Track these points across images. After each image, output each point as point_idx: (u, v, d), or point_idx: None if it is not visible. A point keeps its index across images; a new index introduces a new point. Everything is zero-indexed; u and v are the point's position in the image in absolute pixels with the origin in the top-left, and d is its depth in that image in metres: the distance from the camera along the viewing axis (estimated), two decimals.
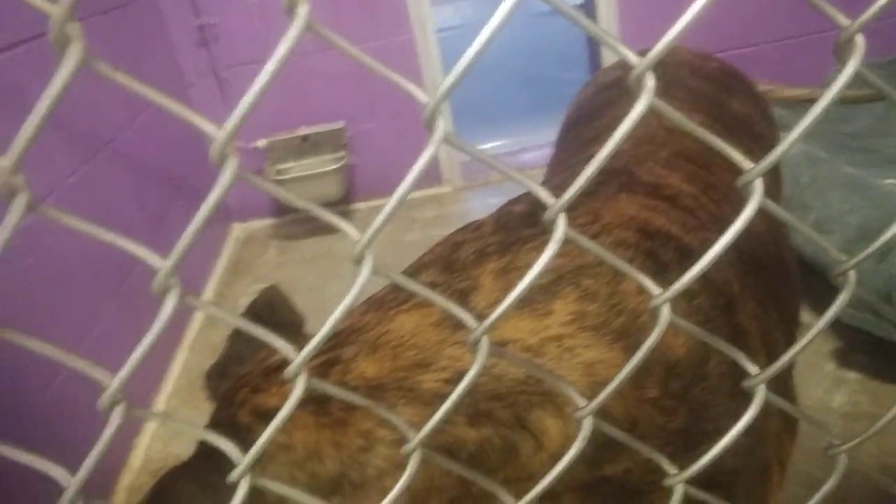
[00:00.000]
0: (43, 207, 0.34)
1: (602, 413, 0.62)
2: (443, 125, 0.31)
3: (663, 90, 1.16)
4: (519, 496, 0.46)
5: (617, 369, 0.41)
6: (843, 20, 0.35)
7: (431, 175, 3.47)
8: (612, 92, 1.28)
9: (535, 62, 5.53)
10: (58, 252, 1.79)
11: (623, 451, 0.64)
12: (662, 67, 1.25)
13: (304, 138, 3.27)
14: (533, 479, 0.57)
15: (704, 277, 0.77)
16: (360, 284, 0.36)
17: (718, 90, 1.25)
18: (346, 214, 3.41)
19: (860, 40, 0.33)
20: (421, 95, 0.32)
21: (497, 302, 0.36)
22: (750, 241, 0.92)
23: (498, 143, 4.08)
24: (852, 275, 0.42)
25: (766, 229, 0.97)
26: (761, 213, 0.32)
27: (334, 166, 3.12)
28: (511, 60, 5.30)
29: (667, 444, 0.66)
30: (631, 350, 0.58)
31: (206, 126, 0.31)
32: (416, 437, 0.40)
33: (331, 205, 3.32)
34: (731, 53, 3.12)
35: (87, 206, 2.06)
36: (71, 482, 0.47)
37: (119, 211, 2.31)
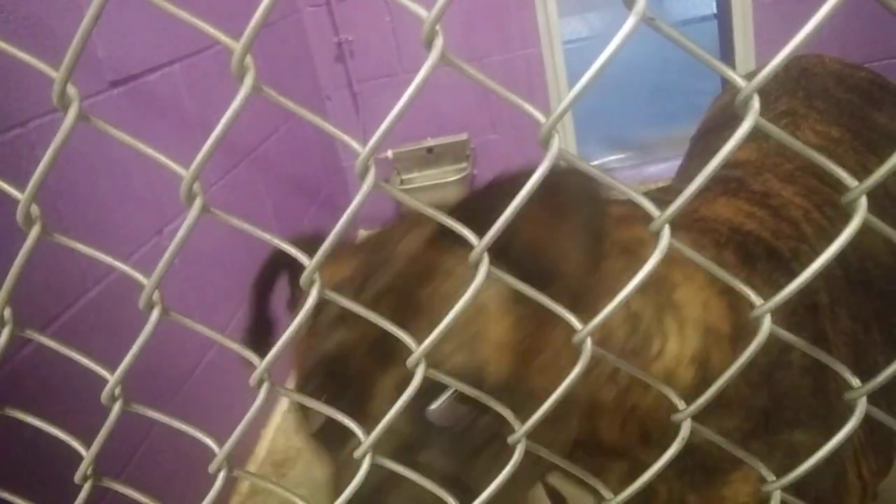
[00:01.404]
0: (214, 210, 0.40)
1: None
2: (557, 144, 0.35)
3: (806, 101, 1.14)
4: None
5: None
6: None
7: None
8: None
9: (665, 72, 5.41)
10: (200, 253, 1.95)
11: (709, 415, 0.66)
12: (808, 77, 1.22)
13: (429, 149, 3.37)
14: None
15: (794, 275, 0.77)
16: (476, 287, 0.40)
17: (864, 102, 1.20)
18: None
19: None
20: (538, 115, 0.35)
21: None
22: (863, 261, 0.90)
23: (623, 154, 4.03)
24: None
25: (891, 251, 0.94)
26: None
27: (457, 177, 3.20)
28: (640, 70, 5.22)
29: (748, 419, 0.67)
30: None
31: (352, 142, 0.35)
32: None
33: None
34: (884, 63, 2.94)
35: (233, 207, 2.23)
36: (220, 450, 0.53)
37: (259, 217, 2.49)
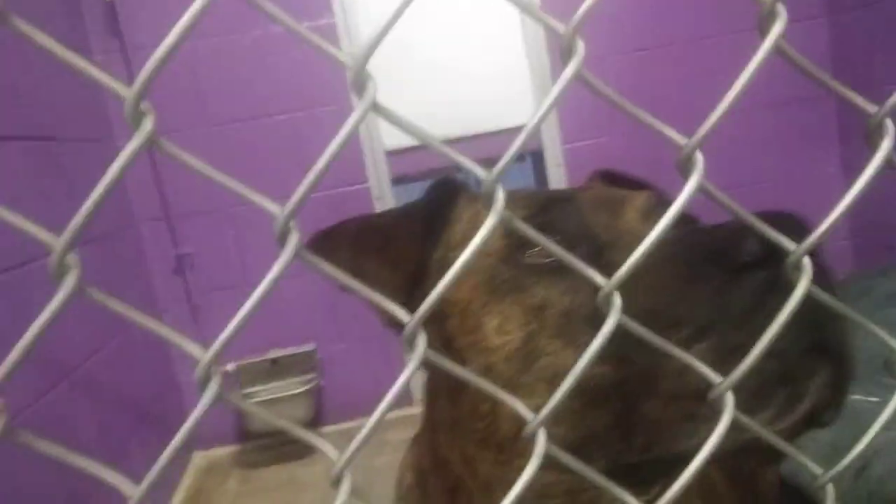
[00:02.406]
0: (19, 432, 0.33)
1: None
2: (423, 343, 0.32)
3: None
4: None
5: None
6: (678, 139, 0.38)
7: (402, 396, 3.40)
8: None
9: None
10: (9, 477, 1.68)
11: None
12: None
13: (274, 361, 3.25)
14: None
15: None
16: None
17: None
18: None
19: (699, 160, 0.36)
20: (403, 316, 0.33)
21: None
22: None
23: None
24: (830, 488, 0.42)
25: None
26: None
27: (303, 389, 3.08)
28: None
29: None
30: None
31: (192, 347, 0.31)
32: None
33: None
34: None
35: (47, 433, 1.98)
36: None
37: (80, 439, 2.22)
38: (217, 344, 0.31)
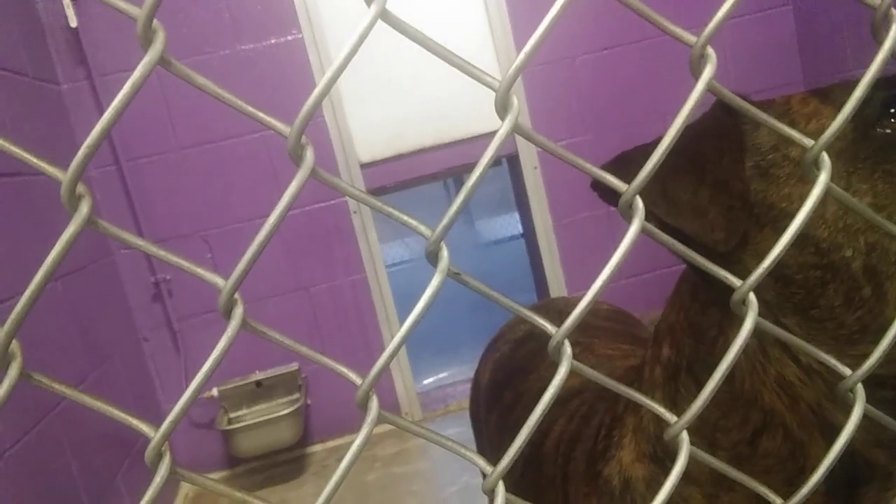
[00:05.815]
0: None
1: None
2: (376, 406, 0.32)
3: (578, 332, 1.30)
4: None
5: None
6: None
7: (390, 409, 3.40)
8: (532, 345, 1.38)
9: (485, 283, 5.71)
10: None
11: None
12: (565, 315, 1.44)
13: (258, 383, 3.23)
14: None
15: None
16: None
17: (622, 323, 1.38)
18: (303, 458, 3.28)
19: None
20: (354, 378, 0.33)
21: None
22: None
23: (454, 370, 4.09)
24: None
25: None
26: None
27: (289, 410, 3.06)
28: (462, 290, 5.47)
29: None
30: None
31: (143, 429, 0.31)
32: None
33: (287, 449, 3.20)
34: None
35: (26, 475, 1.95)
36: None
37: (61, 480, 2.18)
38: (184, 397, 0.31)
